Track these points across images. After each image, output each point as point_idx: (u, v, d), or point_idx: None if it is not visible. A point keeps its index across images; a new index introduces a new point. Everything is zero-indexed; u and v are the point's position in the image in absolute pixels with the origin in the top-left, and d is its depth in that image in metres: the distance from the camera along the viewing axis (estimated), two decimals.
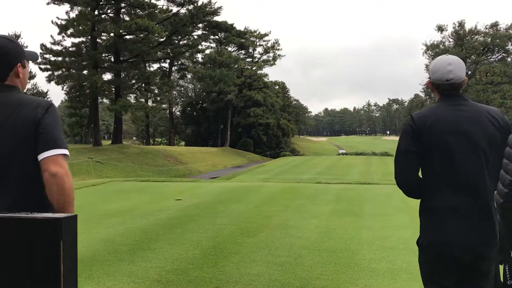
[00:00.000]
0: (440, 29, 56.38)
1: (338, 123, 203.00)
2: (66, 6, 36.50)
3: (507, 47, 55.64)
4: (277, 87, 75.49)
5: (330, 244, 5.98)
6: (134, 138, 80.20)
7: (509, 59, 56.42)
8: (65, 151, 1.91)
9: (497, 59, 56.50)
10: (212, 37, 60.52)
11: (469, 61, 54.52)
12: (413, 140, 2.32)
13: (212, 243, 6.13)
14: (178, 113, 72.80)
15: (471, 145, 2.25)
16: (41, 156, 1.85)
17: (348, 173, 27.84)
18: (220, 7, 45.01)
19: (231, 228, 7.12)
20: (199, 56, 55.36)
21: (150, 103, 46.27)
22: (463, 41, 55.28)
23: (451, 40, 56.76)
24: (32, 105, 1.92)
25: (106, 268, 4.94)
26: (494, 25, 56.03)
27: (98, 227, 7.19)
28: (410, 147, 2.33)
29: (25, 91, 2.08)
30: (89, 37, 37.33)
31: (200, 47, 51.63)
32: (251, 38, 65.51)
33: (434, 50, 56.06)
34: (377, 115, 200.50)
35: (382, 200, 10.27)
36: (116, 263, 5.15)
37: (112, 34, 37.67)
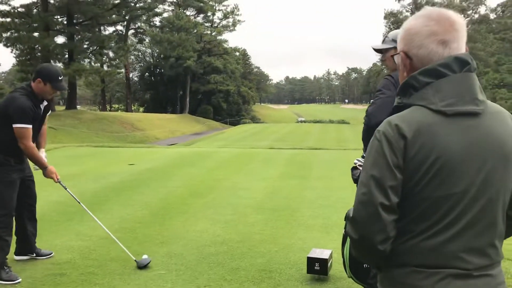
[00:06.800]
0: None
1: (298, 91, 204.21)
2: None
3: None
4: (237, 53, 74.78)
5: (274, 203, 6.35)
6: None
7: None
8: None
9: None
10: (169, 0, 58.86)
11: None
12: None
13: (162, 204, 6.36)
14: (135, 78, 71.12)
15: None
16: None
17: (304, 140, 28.48)
18: None
19: (182, 190, 7.37)
20: (157, 20, 53.82)
21: (105, 67, 44.84)
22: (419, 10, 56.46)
23: (408, 9, 57.85)
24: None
25: (55, 227, 5.09)
26: None
27: (48, 190, 7.20)
28: None
29: None
30: None
31: (157, 10, 50.09)
32: (210, 2, 64.20)
33: (391, 18, 57.16)
34: (336, 83, 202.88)
35: (330, 164, 10.75)
36: (65, 223, 5.30)
37: None
